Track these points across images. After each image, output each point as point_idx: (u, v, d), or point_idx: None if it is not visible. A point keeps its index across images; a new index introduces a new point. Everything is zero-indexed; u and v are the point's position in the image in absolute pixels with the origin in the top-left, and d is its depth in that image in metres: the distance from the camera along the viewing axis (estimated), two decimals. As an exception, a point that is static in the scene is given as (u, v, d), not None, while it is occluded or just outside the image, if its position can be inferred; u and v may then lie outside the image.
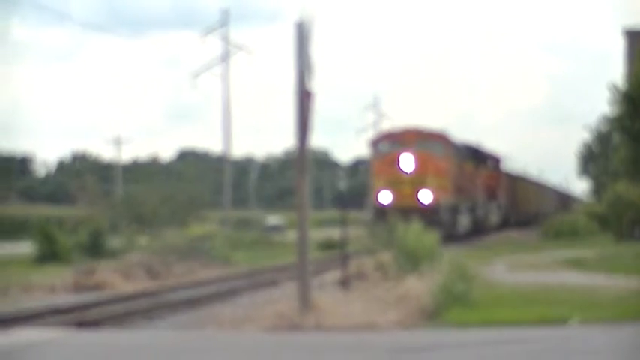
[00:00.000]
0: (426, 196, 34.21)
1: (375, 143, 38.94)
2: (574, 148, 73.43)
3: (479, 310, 14.73)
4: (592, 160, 68.04)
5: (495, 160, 53.00)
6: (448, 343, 12.49)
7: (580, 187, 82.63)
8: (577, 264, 24.08)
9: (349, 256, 19.61)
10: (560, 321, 13.59)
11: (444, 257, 19.07)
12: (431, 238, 19.85)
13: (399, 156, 35.52)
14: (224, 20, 51.04)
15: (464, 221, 39.40)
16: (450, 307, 14.80)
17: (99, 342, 13.57)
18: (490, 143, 65.27)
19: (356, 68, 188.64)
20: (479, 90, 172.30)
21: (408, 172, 34.93)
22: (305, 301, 14.50)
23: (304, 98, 14.50)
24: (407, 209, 31.47)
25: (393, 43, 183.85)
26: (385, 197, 34.76)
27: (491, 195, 49.76)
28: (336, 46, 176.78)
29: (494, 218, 49.61)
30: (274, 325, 13.98)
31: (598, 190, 59.81)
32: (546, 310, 14.46)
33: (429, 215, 31.60)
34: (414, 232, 19.11)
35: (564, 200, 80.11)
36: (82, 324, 14.74)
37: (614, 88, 30.70)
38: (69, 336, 13.76)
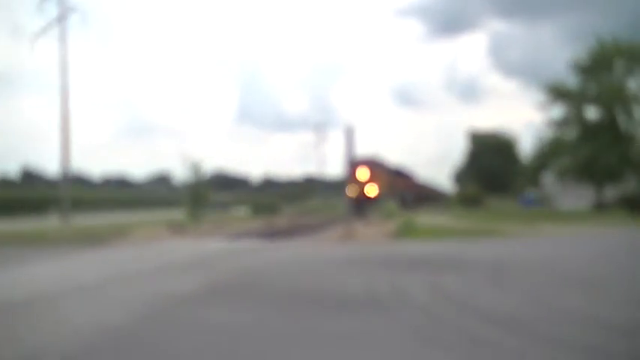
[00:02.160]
0: (374, 192, 50.90)
1: (351, 164, 46.61)
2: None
3: (417, 233, 26.72)
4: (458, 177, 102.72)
5: (410, 175, 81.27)
6: (406, 245, 22.17)
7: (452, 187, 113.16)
8: (452, 216, 42.28)
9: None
10: (445, 238, 24.93)
11: (401, 214, 34.45)
12: (395, 206, 37.66)
13: (362, 170, 50.08)
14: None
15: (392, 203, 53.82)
16: (407, 232, 27.04)
17: (272, 246, 23.71)
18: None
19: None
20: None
21: (365, 180, 50.21)
22: (352, 230, 27.10)
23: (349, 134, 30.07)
24: (366, 199, 49.55)
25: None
26: (352, 194, 40.71)
27: (410, 191, 73.46)
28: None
29: (411, 201, 68.74)
30: (340, 237, 26.41)
31: (459, 189, 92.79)
32: (441, 234, 26.46)
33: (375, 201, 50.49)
34: (389, 205, 36.55)
35: (445, 193, 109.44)
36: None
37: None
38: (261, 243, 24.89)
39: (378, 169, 54.35)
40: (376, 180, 51.93)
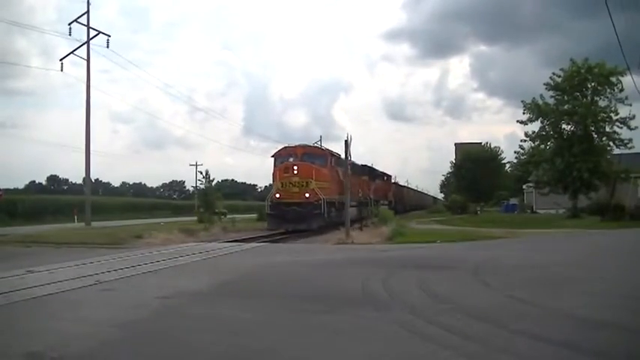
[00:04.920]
0: (308, 195, 34.44)
1: (276, 156, 38.45)
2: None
3: (407, 237, 26.54)
4: (445, 185, 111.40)
5: (386, 176, 65.29)
6: (396, 248, 21.63)
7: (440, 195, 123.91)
8: (439, 222, 42.22)
9: (364, 219, 35.77)
10: (434, 241, 24.44)
11: (394, 219, 32.99)
12: (391, 212, 37.37)
13: (290, 165, 36.01)
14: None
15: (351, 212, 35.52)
16: (396, 236, 26.63)
17: (271, 246, 24.74)
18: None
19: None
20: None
21: (295, 176, 35.16)
22: (347, 234, 26.55)
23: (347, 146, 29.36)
24: (294, 204, 34.38)
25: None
26: (277, 194, 35.29)
27: (383, 195, 58.65)
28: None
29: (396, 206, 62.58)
30: (338, 241, 25.98)
31: (446, 196, 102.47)
32: (428, 238, 26.11)
33: (315, 206, 34.27)
34: (384, 210, 36.07)
35: (435, 200, 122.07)
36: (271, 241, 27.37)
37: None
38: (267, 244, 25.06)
39: (321, 163, 37.66)
40: (316, 178, 35.47)
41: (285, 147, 39.47)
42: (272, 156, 39.05)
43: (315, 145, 41.16)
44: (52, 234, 30.83)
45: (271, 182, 39.08)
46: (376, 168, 58.50)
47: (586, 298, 10.13)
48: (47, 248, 25.05)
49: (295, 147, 38.86)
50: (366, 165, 49.28)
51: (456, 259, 17.03)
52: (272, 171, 37.85)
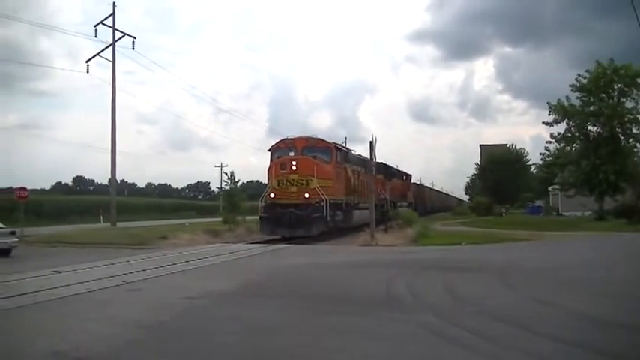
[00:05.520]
0: (308, 195, 29.47)
1: (273, 149, 33.40)
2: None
3: (431, 239, 26.52)
4: (470, 187, 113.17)
5: (405, 176, 59.50)
6: (421, 250, 22.04)
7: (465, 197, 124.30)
8: (463, 223, 41.95)
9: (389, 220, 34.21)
10: (458, 243, 24.32)
11: (418, 221, 32.84)
12: (414, 214, 36.68)
13: (287, 159, 31.02)
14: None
15: (357, 213, 34.61)
16: (421, 238, 26.58)
17: (296, 247, 23.81)
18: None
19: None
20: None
21: (293, 173, 30.12)
22: (372, 236, 26.31)
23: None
24: (292, 205, 29.67)
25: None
26: (272, 194, 30.38)
27: (401, 196, 53.52)
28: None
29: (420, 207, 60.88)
30: (363, 243, 25.87)
31: (471, 198, 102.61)
32: (453, 239, 25.92)
33: (315, 209, 29.33)
34: (409, 212, 35.89)
35: (459, 201, 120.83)
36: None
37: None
38: (291, 245, 24.49)
39: (325, 158, 32.20)
40: (318, 175, 30.07)
41: (284, 139, 34.18)
42: (269, 150, 34.15)
43: (318, 137, 33.97)
44: (77, 234, 31.12)
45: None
46: (393, 166, 52.44)
47: (609, 301, 10.03)
48: (72, 248, 25.41)
49: (294, 139, 33.30)
50: (380, 162, 41.03)
51: (481, 261, 16.97)
52: (268, 167, 32.75)
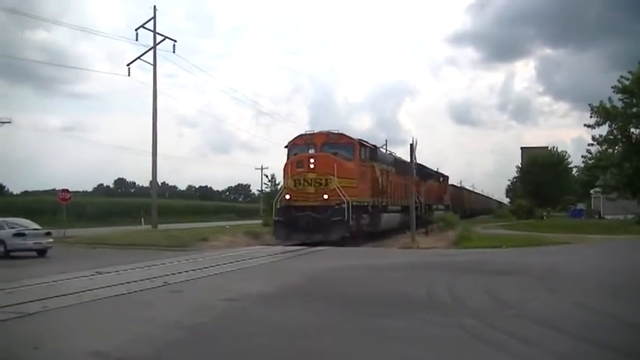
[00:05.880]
0: (327, 196, 26.83)
1: (290, 146, 30.35)
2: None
3: (472, 242, 26.22)
4: (511, 190, 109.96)
5: (442, 177, 56.97)
6: (461, 253, 21.70)
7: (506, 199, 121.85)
8: (504, 226, 41.61)
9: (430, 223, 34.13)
10: (499, 246, 24.49)
11: (459, 224, 32.92)
12: (455, 216, 36.13)
13: (304, 157, 28.38)
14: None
15: (385, 217, 31.72)
16: (462, 241, 26.42)
17: (336, 249, 23.79)
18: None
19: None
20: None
21: (311, 171, 27.37)
22: (413, 238, 26.28)
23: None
24: (309, 208, 27.12)
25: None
26: (288, 196, 27.91)
27: (437, 198, 50.61)
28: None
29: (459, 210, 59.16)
30: (403, 245, 25.91)
31: (512, 201, 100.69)
32: (494, 242, 25.87)
33: (335, 211, 26.53)
34: (448, 215, 35.74)
35: (500, 204, 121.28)
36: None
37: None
38: (332, 247, 24.17)
39: (348, 155, 29.03)
40: (339, 174, 27.36)
41: (302, 134, 31.08)
42: (285, 146, 30.89)
43: (340, 132, 30.11)
44: (118, 236, 31.60)
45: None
46: (428, 166, 48.61)
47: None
48: (113, 250, 25.74)
49: (314, 134, 30.12)
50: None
51: (522, 265, 16.78)
52: (283, 165, 30.00)
